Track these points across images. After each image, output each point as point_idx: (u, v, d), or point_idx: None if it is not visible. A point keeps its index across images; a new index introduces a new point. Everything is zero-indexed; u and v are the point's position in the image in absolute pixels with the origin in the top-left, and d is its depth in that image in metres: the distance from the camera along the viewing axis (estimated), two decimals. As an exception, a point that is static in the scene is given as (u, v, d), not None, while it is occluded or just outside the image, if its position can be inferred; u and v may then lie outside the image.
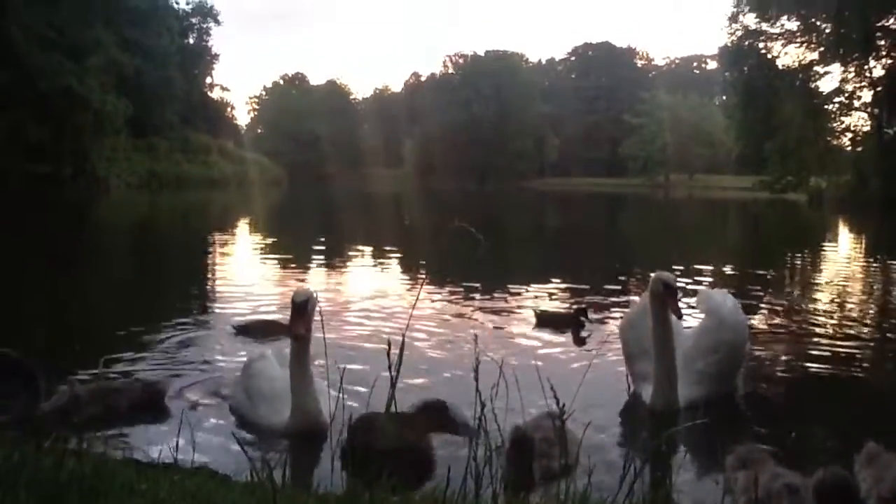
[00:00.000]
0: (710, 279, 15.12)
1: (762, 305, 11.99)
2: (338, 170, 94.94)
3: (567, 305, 11.09)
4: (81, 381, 5.86)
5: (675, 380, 6.13)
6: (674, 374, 6.13)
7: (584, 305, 9.86)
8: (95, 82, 50.11)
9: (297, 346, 5.63)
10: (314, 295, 5.76)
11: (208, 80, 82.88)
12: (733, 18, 58.38)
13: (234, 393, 6.13)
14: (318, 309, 5.70)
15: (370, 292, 12.45)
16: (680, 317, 6.19)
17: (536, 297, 12.20)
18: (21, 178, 41.22)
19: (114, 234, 24.26)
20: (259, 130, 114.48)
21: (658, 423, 5.84)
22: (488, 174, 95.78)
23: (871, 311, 12.59)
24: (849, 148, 56.94)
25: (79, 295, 11.85)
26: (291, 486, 3.30)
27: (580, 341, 8.90)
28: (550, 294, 12.52)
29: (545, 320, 9.63)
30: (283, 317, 9.24)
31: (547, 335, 9.14)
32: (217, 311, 10.90)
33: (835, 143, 57.73)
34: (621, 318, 7.87)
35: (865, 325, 11.13)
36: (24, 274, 13.10)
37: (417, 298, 3.14)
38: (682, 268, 14.65)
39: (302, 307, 5.61)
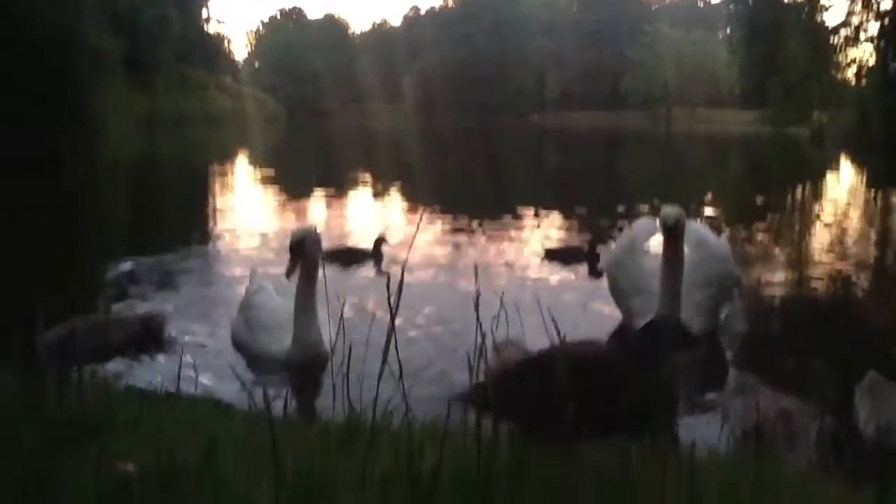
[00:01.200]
0: (710, 213, 15.09)
1: (761, 237, 12.00)
2: (336, 105, 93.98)
3: (568, 240, 11.10)
4: (80, 315, 5.87)
5: (678, 312, 6.14)
6: (678, 306, 6.14)
7: (593, 239, 9.70)
8: (91, 21, 49.18)
9: (304, 282, 5.66)
10: (312, 232, 5.76)
11: (204, 13, 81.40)
12: (738, -51, 57.04)
13: (234, 324, 6.17)
14: (318, 243, 5.72)
15: (370, 226, 12.45)
16: (674, 260, 6.13)
17: (538, 228, 12.20)
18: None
19: (113, 172, 24.11)
20: (256, 66, 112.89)
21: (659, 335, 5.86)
22: (488, 110, 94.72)
23: (870, 244, 12.60)
24: (853, 83, 56.23)
25: (79, 232, 11.84)
26: (293, 416, 3.33)
27: (596, 274, 8.74)
28: (550, 228, 12.50)
29: (553, 255, 9.59)
30: (362, 245, 9.62)
31: (550, 269, 9.15)
32: (218, 245, 10.91)
33: (839, 77, 56.97)
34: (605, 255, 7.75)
35: (865, 256, 11.16)
36: (22, 212, 13.06)
37: (417, 230, 3.12)
38: (680, 202, 14.57)
39: (295, 246, 5.64)
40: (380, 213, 15.21)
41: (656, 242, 7.05)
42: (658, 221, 6.19)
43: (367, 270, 8.85)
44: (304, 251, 5.63)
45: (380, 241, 9.41)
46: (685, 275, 6.27)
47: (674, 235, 6.06)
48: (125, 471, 2.12)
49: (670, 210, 6.12)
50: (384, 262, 9.18)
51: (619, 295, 6.74)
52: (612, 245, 7.16)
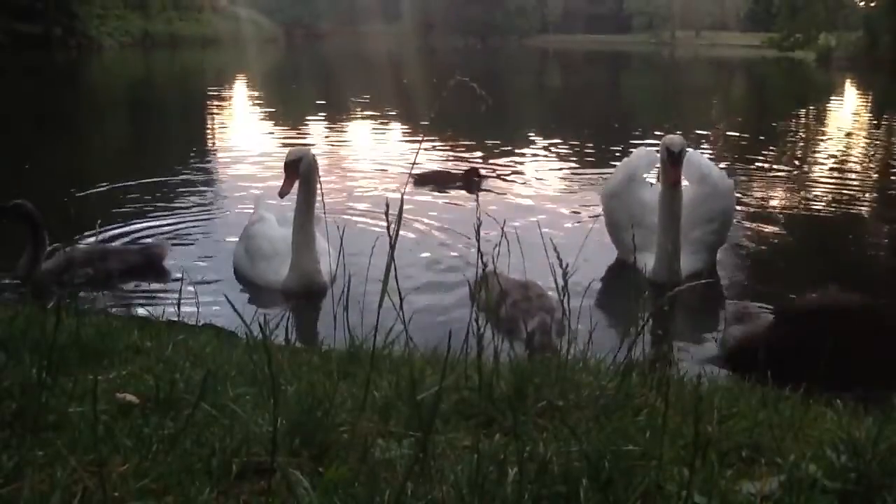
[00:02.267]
0: (712, 139, 14.96)
1: (763, 165, 11.91)
2: (333, 27, 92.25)
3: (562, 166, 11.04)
4: (80, 243, 5.86)
5: (679, 250, 5.98)
6: (678, 245, 5.97)
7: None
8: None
9: (303, 206, 5.63)
10: (309, 155, 5.70)
11: (200, -68, 79.16)
12: None
13: (235, 253, 6.16)
14: (316, 168, 5.67)
15: (370, 152, 12.36)
16: (673, 183, 5.94)
17: (536, 157, 12.10)
18: (9, 39, 40.02)
19: (108, 96, 23.82)
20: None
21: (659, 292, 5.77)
22: (489, 31, 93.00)
23: (874, 169, 12.51)
24: (861, 3, 55.16)
25: (74, 158, 11.75)
26: (294, 345, 3.34)
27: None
28: (553, 158, 12.41)
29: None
30: (455, 169, 9.86)
31: (549, 202, 9.10)
32: (215, 171, 10.85)
33: (847, -2, 55.91)
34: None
35: (869, 182, 11.09)
36: (16, 137, 12.94)
37: (416, 156, 3.05)
38: (683, 129, 14.44)
39: (291, 166, 5.59)
40: (381, 136, 15.08)
41: (653, 175, 6.96)
42: (660, 150, 5.99)
43: (460, 195, 9.03)
44: (300, 171, 5.59)
45: (473, 171, 9.63)
46: (687, 210, 6.09)
47: (678, 164, 5.93)
48: (126, 400, 2.13)
49: (676, 138, 5.99)
50: (476, 189, 9.28)
51: (615, 227, 6.57)
52: (610, 176, 6.95)
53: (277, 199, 5.79)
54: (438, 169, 10.15)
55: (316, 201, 5.63)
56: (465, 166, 9.95)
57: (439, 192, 9.05)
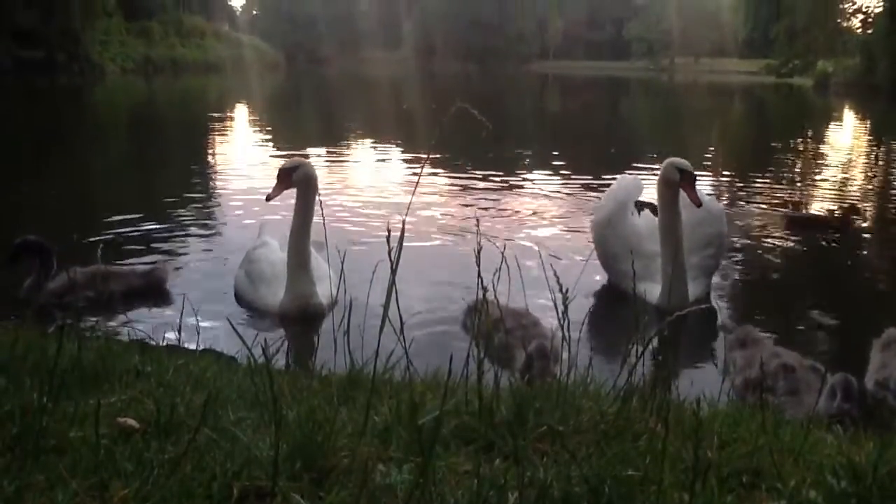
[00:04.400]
0: (710, 165, 15.01)
1: (763, 189, 11.94)
2: (334, 52, 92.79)
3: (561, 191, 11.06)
4: (81, 266, 5.86)
5: (685, 275, 5.93)
6: (684, 269, 5.92)
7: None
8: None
9: (296, 229, 5.65)
10: (307, 166, 5.73)
11: (201, -44, 79.79)
12: None
13: (236, 277, 6.17)
14: (312, 182, 5.70)
15: (371, 177, 12.41)
16: (699, 204, 5.91)
17: (536, 183, 12.14)
18: (12, 64, 40.28)
19: (111, 121, 23.93)
20: (254, 12, 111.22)
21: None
22: (489, 57, 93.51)
23: (873, 194, 12.55)
24: (859, 30, 55.57)
25: (76, 182, 11.78)
26: (294, 369, 3.34)
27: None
28: (552, 183, 12.46)
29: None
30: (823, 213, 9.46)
31: (551, 223, 9.12)
32: (217, 196, 10.87)
33: (844, 24, 56.31)
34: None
35: (869, 207, 11.11)
36: (19, 161, 12.99)
37: (417, 183, 3.05)
38: (680, 155, 14.46)
39: (283, 174, 5.64)
40: (382, 162, 15.13)
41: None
42: (666, 174, 5.95)
43: (831, 238, 8.67)
44: (294, 180, 5.62)
45: (851, 210, 9.20)
46: (683, 236, 6.03)
47: (694, 184, 5.91)
48: (127, 425, 2.13)
49: (680, 160, 6.00)
50: (850, 231, 8.89)
51: (610, 257, 6.46)
52: (598, 205, 6.82)
53: (281, 225, 5.81)
54: (814, 213, 9.66)
55: (312, 220, 5.64)
56: (464, 194, 9.93)
57: (813, 235, 8.59)
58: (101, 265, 5.96)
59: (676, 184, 5.91)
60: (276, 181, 5.74)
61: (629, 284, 6.08)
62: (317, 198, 5.59)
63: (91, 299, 5.69)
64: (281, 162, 6.22)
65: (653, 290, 5.92)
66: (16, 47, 43.68)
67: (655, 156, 13.78)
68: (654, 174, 7.24)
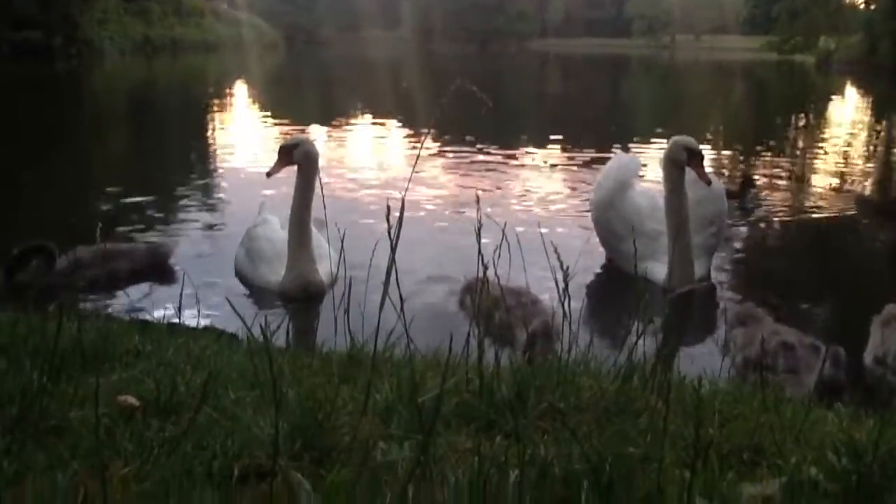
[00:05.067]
0: (712, 143, 14.96)
1: (764, 168, 11.91)
2: (333, 32, 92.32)
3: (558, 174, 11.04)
4: (85, 246, 5.87)
5: (691, 254, 5.91)
6: (690, 248, 5.90)
7: None
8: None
9: (297, 207, 5.64)
10: (307, 143, 5.73)
11: (201, -62, 79.17)
12: None
13: (237, 256, 6.17)
14: (313, 159, 5.68)
15: (371, 154, 12.39)
16: (709, 183, 5.89)
17: (536, 161, 12.11)
18: (9, 47, 40.04)
19: (110, 103, 23.83)
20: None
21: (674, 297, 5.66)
22: (489, 36, 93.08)
23: (875, 172, 12.51)
24: (861, 6, 55.22)
25: (76, 165, 11.75)
26: (295, 348, 3.34)
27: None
28: (553, 160, 12.42)
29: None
30: None
31: (552, 200, 9.11)
32: (216, 175, 10.85)
33: (847, 1, 55.96)
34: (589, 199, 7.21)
35: (870, 185, 11.10)
36: (19, 145, 12.93)
37: (417, 160, 3.03)
38: (682, 133, 14.43)
39: (283, 151, 5.64)
40: (382, 140, 15.09)
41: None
42: (672, 153, 5.91)
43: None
44: (294, 159, 5.62)
45: (747, 180, 9.21)
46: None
47: (697, 161, 5.88)
48: (127, 404, 2.13)
49: (687, 138, 5.97)
50: (749, 200, 8.93)
51: (612, 237, 6.41)
52: (596, 186, 6.68)
53: (281, 203, 5.81)
54: None
55: (312, 198, 5.62)
56: (465, 171, 9.89)
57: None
58: (106, 244, 5.97)
59: (683, 163, 5.88)
60: (276, 158, 5.74)
61: (632, 264, 6.09)
62: (318, 175, 5.58)
63: (97, 277, 5.71)
64: (281, 140, 6.20)
65: (658, 270, 5.92)
66: (12, 29, 43.41)
67: (659, 131, 13.76)
68: (656, 151, 7.21)
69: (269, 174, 5.75)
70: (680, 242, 5.84)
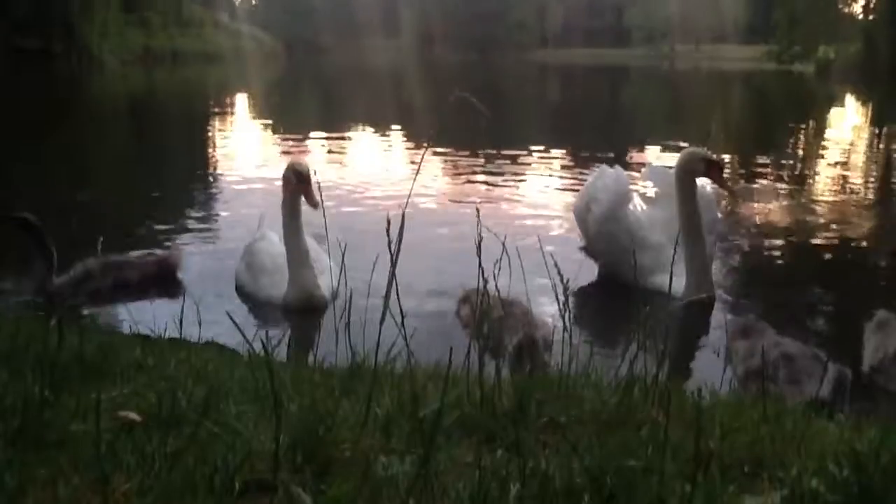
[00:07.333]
0: (712, 150, 14.96)
1: (763, 177, 11.92)
2: (334, 41, 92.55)
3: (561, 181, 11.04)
4: (95, 257, 5.88)
5: (710, 265, 5.87)
6: (707, 257, 5.87)
7: None
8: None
9: (288, 221, 5.66)
10: (288, 170, 5.74)
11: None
12: None
13: (237, 269, 6.17)
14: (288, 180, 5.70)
15: (371, 166, 12.40)
16: (732, 192, 5.92)
17: (537, 170, 12.12)
18: (9, 53, 40.14)
19: (111, 111, 23.86)
20: (253, 2, 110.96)
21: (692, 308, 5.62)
22: (489, 45, 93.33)
23: (873, 182, 12.52)
24: (860, 15, 55.33)
25: (76, 174, 11.74)
26: (295, 361, 3.34)
27: None
28: (552, 169, 12.43)
29: None
30: None
31: (551, 212, 9.11)
32: (216, 188, 10.84)
33: (846, 10, 56.09)
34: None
35: (868, 195, 11.10)
36: (18, 154, 12.94)
37: (418, 172, 3.03)
38: (682, 142, 14.46)
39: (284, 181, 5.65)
40: (382, 152, 15.11)
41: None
42: (685, 163, 5.88)
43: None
44: (290, 180, 5.64)
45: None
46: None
47: (718, 171, 5.88)
48: (128, 419, 2.13)
49: (699, 149, 5.96)
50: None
51: (616, 251, 6.27)
52: (592, 200, 6.52)
53: (280, 216, 5.82)
54: None
55: (299, 215, 5.68)
56: (466, 181, 9.91)
57: None
58: (115, 256, 5.99)
59: (699, 174, 5.87)
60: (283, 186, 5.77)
61: (642, 277, 5.78)
62: (316, 189, 5.59)
63: (107, 287, 5.74)
64: (282, 157, 6.22)
65: (666, 282, 5.83)
66: (14, 38, 43.53)
67: (659, 141, 13.77)
68: (655, 161, 7.22)
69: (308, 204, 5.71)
70: (698, 252, 5.83)
